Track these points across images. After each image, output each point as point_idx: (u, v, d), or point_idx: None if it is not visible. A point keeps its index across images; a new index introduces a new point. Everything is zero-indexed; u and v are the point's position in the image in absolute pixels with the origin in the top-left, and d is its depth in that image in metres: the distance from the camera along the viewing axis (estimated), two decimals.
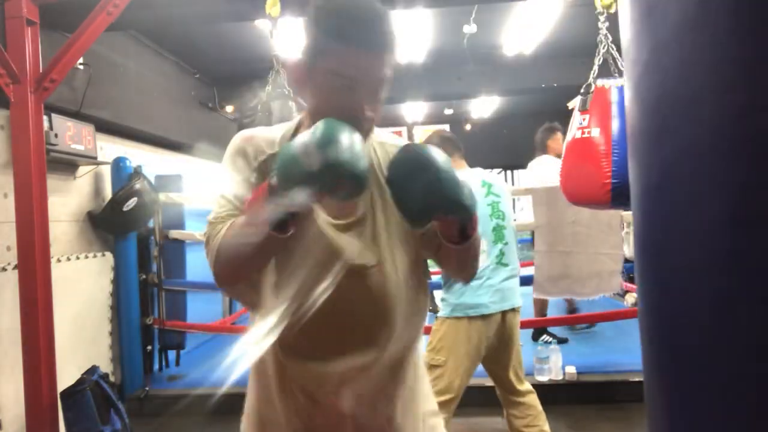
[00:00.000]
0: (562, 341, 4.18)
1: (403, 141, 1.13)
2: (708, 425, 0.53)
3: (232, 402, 3.32)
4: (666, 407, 0.59)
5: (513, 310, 2.38)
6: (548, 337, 4.24)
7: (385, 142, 1.11)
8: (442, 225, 0.97)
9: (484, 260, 2.28)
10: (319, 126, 0.85)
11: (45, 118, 2.84)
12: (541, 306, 4.23)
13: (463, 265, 1.10)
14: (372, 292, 1.02)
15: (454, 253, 1.01)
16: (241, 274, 1.02)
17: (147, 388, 3.72)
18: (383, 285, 1.03)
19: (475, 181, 2.43)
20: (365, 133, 0.99)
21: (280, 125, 1.13)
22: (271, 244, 0.90)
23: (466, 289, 2.30)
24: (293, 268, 0.98)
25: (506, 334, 2.38)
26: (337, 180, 0.82)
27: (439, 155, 0.92)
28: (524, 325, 2.58)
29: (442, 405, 2.30)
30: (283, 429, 1.14)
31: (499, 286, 2.34)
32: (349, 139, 0.84)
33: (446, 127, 8.23)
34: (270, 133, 1.10)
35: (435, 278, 2.43)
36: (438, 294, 2.54)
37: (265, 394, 1.17)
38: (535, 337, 4.27)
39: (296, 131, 1.07)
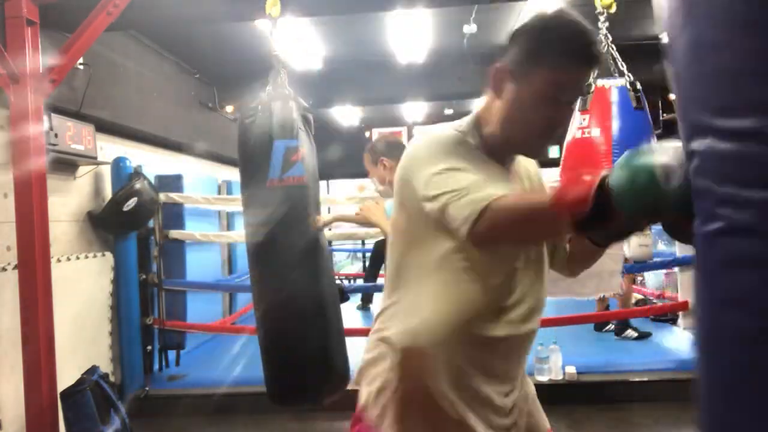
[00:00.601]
0: (644, 336, 4.22)
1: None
2: None
3: (232, 402, 3.34)
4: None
5: None
6: (632, 332, 4.26)
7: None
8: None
9: None
10: (671, 149, 0.79)
11: (45, 118, 2.84)
12: (625, 300, 4.24)
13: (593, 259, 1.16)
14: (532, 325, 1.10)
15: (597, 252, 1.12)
16: (511, 236, 1.00)
17: (147, 388, 3.72)
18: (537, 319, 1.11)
19: None
20: (550, 147, 1.12)
21: (453, 125, 1.09)
22: (554, 231, 0.99)
23: None
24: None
25: None
26: (668, 210, 0.78)
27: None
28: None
29: None
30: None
31: None
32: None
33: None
34: (459, 132, 1.08)
35: None
36: None
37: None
38: (618, 332, 4.29)
39: (477, 131, 1.08)
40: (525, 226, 0.94)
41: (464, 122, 1.11)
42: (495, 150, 1.08)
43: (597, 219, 0.82)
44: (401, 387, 1.06)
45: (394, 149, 2.41)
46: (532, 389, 1.22)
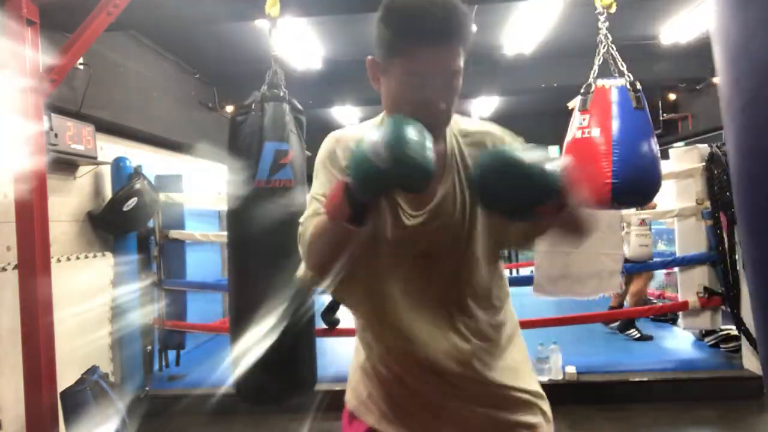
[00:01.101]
0: (646, 338, 4.23)
1: (490, 126, 1.14)
2: None
3: (232, 402, 3.32)
4: None
5: None
6: (635, 332, 4.28)
7: (470, 129, 1.11)
8: (539, 212, 0.94)
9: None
10: (386, 123, 0.89)
11: (45, 118, 2.84)
12: (638, 296, 4.25)
13: (574, 228, 1.08)
14: (446, 275, 1.07)
15: (561, 223, 1.03)
16: (327, 266, 1.04)
17: (147, 388, 3.72)
18: (457, 268, 1.07)
19: None
20: (442, 125, 1.03)
21: (369, 123, 1.15)
22: (349, 237, 0.94)
23: None
24: (371, 257, 1.04)
25: None
26: (403, 175, 0.86)
27: (521, 151, 0.91)
28: (525, 324, 2.57)
29: None
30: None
31: None
32: (415, 134, 0.86)
33: None
34: (358, 132, 1.11)
35: None
36: None
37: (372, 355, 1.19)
38: (622, 329, 4.32)
39: (379, 121, 1.10)
40: (327, 245, 0.99)
41: (375, 119, 1.14)
42: None
43: (365, 211, 0.90)
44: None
45: None
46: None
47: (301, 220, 1.08)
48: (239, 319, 2.10)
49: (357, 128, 1.15)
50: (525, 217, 0.95)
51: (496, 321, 1.13)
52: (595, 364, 3.66)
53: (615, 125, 2.37)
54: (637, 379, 3.51)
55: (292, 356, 2.16)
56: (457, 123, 1.11)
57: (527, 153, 0.90)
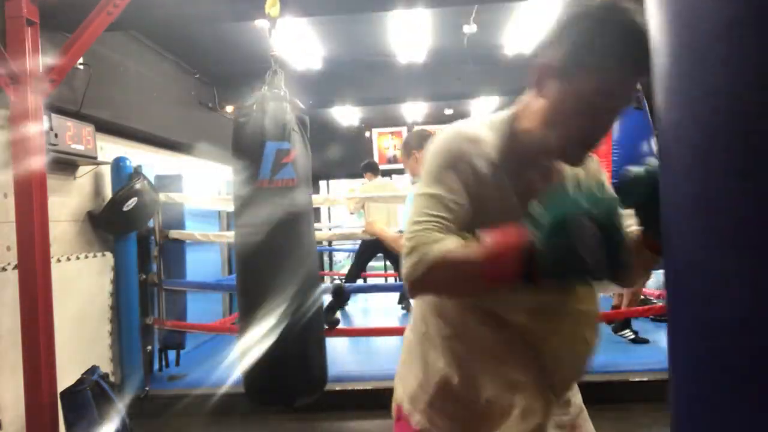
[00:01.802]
0: (641, 341, 4.23)
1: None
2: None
3: (232, 402, 3.34)
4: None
5: None
6: (629, 333, 4.27)
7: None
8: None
9: None
10: (605, 217, 0.79)
11: (45, 118, 2.84)
12: (634, 297, 4.24)
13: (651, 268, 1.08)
14: (578, 335, 1.07)
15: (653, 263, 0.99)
16: (446, 293, 1.00)
17: (147, 388, 3.72)
18: (591, 330, 1.07)
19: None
20: (591, 154, 1.00)
21: (488, 120, 1.03)
22: (491, 285, 0.88)
23: None
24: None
25: None
26: (605, 277, 0.82)
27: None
28: None
29: None
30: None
31: None
32: (620, 229, 0.81)
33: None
34: (485, 132, 1.00)
35: None
36: None
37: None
38: (616, 330, 4.31)
39: (511, 128, 1.00)
40: (460, 284, 0.93)
41: (499, 117, 1.03)
42: (527, 150, 0.98)
43: (531, 279, 0.83)
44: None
45: (426, 141, 2.48)
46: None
47: (415, 224, 0.93)
48: (247, 320, 2.10)
49: (479, 126, 1.02)
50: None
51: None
52: (595, 364, 3.64)
53: (615, 125, 2.37)
54: (637, 379, 3.51)
55: (302, 355, 2.16)
56: None
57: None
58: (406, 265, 0.92)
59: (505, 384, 1.03)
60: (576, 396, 1.19)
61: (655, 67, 0.63)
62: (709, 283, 0.53)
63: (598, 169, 1.11)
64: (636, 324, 4.44)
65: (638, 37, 0.82)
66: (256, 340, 2.03)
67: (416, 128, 3.84)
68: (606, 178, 1.11)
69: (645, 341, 4.24)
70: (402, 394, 1.17)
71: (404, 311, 5.59)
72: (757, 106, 0.47)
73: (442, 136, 1.02)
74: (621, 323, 4.32)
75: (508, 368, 1.02)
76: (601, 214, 0.79)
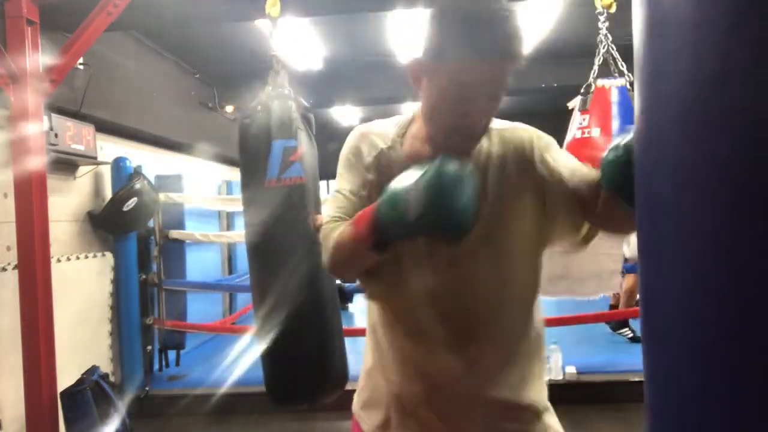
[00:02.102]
0: (639, 340, 4.20)
1: (521, 124, 1.08)
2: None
3: (232, 402, 3.33)
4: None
5: None
6: (628, 331, 4.27)
7: (504, 129, 1.07)
8: None
9: None
10: (428, 172, 0.84)
11: (45, 118, 2.84)
12: (629, 297, 4.23)
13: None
14: (463, 283, 1.02)
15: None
16: (348, 272, 1.12)
17: (147, 388, 3.72)
18: (475, 276, 1.02)
19: None
20: (478, 137, 0.99)
21: (395, 118, 1.11)
22: (370, 257, 0.96)
23: None
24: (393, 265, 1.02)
25: None
26: (437, 231, 0.86)
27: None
28: None
29: None
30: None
31: None
32: (457, 185, 0.83)
33: None
34: (384, 127, 1.10)
35: None
36: None
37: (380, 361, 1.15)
38: (615, 328, 4.30)
39: (408, 127, 1.08)
40: (350, 259, 1.02)
41: (405, 116, 1.11)
42: (420, 145, 1.04)
43: (390, 245, 0.92)
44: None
45: None
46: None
47: (324, 216, 1.08)
48: (264, 319, 2.10)
49: (383, 123, 1.11)
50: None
51: (521, 332, 1.07)
52: (595, 364, 3.66)
53: (615, 125, 2.37)
54: (637, 379, 3.50)
55: (324, 351, 2.16)
56: (492, 124, 1.05)
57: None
58: (322, 257, 1.07)
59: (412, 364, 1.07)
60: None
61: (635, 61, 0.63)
62: (686, 283, 0.53)
63: (517, 138, 1.06)
64: (634, 324, 4.44)
65: (477, 23, 0.87)
66: (276, 339, 2.02)
67: None
68: (528, 139, 1.06)
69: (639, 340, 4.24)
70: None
71: None
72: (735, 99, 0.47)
73: (349, 135, 1.12)
74: (619, 322, 4.32)
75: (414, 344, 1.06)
76: (429, 174, 0.83)
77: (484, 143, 1.04)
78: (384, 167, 1.04)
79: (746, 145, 0.47)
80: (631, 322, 4.39)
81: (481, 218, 0.96)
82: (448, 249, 0.97)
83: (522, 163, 1.03)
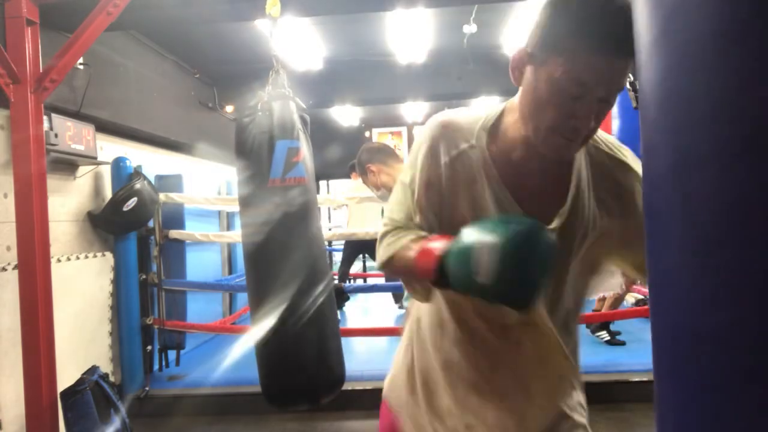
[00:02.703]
0: (617, 343, 4.21)
1: (625, 153, 0.99)
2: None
3: (232, 402, 3.33)
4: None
5: None
6: (606, 334, 4.25)
7: (602, 148, 0.98)
8: None
9: None
10: (508, 234, 0.78)
11: (45, 118, 2.84)
12: (614, 302, 4.24)
13: None
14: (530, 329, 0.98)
15: None
16: (402, 281, 1.09)
17: (147, 388, 3.72)
18: (542, 324, 0.97)
19: None
20: (580, 144, 0.90)
21: (482, 110, 1.00)
22: (428, 286, 0.97)
23: None
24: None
25: None
26: (501, 299, 0.81)
27: None
28: None
29: None
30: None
31: None
32: (532, 262, 0.77)
33: None
34: (469, 120, 0.98)
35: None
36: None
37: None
38: (594, 330, 4.29)
39: (498, 121, 0.97)
40: (407, 279, 1.02)
41: (493, 109, 1.00)
42: (511, 142, 0.95)
43: (444, 285, 0.88)
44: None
45: (376, 153, 2.58)
46: None
47: (389, 215, 1.03)
48: (261, 320, 2.10)
49: (468, 116, 0.99)
50: None
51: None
52: (595, 364, 3.66)
53: (615, 125, 2.37)
54: (636, 379, 3.51)
55: (322, 351, 2.16)
56: (594, 138, 0.96)
57: None
58: (377, 252, 1.04)
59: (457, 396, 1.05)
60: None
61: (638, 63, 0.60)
62: (691, 287, 0.53)
63: (612, 174, 0.98)
64: (634, 324, 4.44)
65: (604, 17, 0.78)
66: (274, 340, 2.02)
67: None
68: (633, 183, 0.98)
69: (622, 343, 4.22)
70: (386, 383, 1.24)
71: (401, 310, 5.64)
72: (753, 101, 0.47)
73: (427, 123, 1.03)
74: (599, 324, 4.31)
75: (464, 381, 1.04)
76: (510, 244, 0.77)
77: (581, 162, 0.96)
78: (464, 167, 0.95)
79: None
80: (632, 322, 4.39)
81: (565, 247, 0.93)
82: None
83: (617, 198, 0.97)
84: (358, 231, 4.05)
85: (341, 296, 3.92)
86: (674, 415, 0.57)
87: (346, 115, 7.79)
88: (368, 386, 3.51)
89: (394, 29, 4.53)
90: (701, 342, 0.53)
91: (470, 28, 4.36)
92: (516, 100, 0.95)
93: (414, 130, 8.37)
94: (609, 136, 1.02)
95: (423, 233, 0.98)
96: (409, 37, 4.69)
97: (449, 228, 0.93)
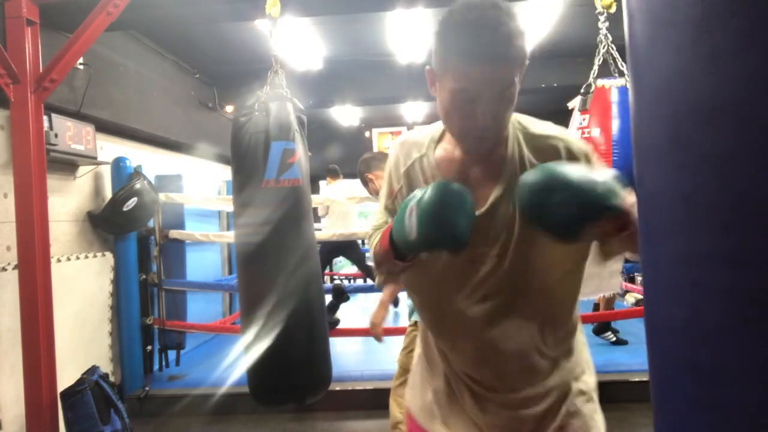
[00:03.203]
0: (621, 342, 4.24)
1: (561, 131, 1.09)
2: None
3: (232, 402, 3.33)
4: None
5: None
6: (611, 335, 4.28)
7: (536, 132, 1.07)
8: (598, 229, 0.90)
9: None
10: (423, 193, 0.95)
11: (45, 118, 2.84)
12: (606, 302, 4.25)
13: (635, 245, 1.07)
14: (489, 278, 1.05)
15: (622, 242, 0.95)
16: (387, 274, 1.17)
17: (147, 388, 3.72)
18: (502, 272, 1.04)
19: None
20: (492, 138, 1.01)
21: (434, 126, 1.16)
22: (400, 266, 1.06)
23: None
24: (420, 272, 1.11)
25: None
26: (435, 247, 0.95)
27: (567, 169, 0.89)
28: None
29: None
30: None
31: None
32: (446, 208, 0.92)
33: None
34: (421, 135, 1.16)
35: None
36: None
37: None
38: (597, 332, 4.31)
39: (442, 133, 1.13)
40: (385, 264, 1.10)
41: (438, 122, 1.16)
42: (453, 144, 1.09)
43: (408, 258, 1.03)
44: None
45: (371, 161, 2.72)
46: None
47: (370, 226, 1.21)
48: (251, 321, 2.10)
49: (421, 132, 1.17)
50: (577, 237, 0.89)
51: (559, 348, 1.15)
52: (595, 364, 3.65)
53: (615, 125, 2.37)
54: (637, 379, 3.51)
55: (311, 352, 2.16)
56: (525, 126, 1.08)
57: (578, 169, 0.89)
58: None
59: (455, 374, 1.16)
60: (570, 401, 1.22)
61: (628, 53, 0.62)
62: (688, 273, 0.53)
63: (551, 146, 1.07)
64: (634, 324, 4.44)
65: (473, 29, 0.92)
66: (266, 340, 2.02)
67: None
68: (563, 148, 1.06)
69: (624, 342, 4.25)
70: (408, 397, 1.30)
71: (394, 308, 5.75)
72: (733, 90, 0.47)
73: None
74: (601, 325, 4.33)
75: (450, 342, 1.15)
76: (421, 200, 0.94)
77: (515, 149, 1.06)
78: (419, 174, 1.12)
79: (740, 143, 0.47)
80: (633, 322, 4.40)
81: (501, 224, 1.03)
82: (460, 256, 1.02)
83: (555, 158, 1.04)
84: (358, 231, 4.05)
85: (341, 296, 3.92)
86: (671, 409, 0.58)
87: (346, 115, 7.79)
88: (368, 386, 3.51)
89: (394, 29, 4.53)
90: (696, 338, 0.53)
91: None
92: None
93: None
94: (534, 119, 1.12)
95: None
96: (409, 37, 4.69)
97: None
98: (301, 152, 2.16)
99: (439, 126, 1.13)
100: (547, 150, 1.05)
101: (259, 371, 2.13)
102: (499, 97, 0.96)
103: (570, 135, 1.10)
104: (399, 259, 1.04)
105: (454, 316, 1.09)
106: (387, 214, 1.17)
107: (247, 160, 2.11)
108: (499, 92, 0.95)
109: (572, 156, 1.05)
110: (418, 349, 1.28)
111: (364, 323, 5.92)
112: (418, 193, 0.96)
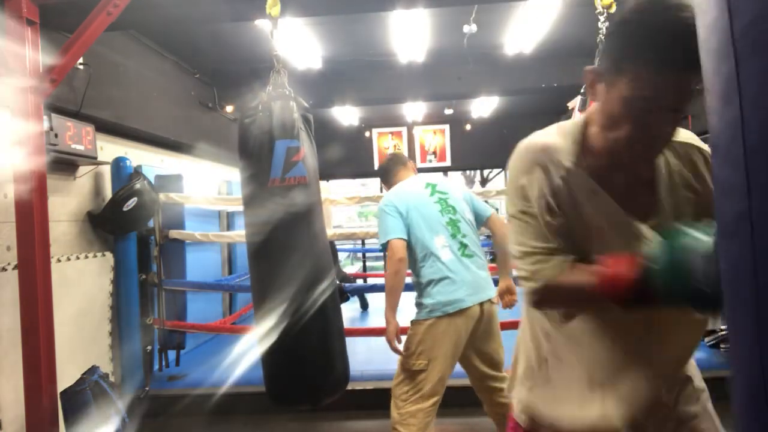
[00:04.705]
0: None
1: (689, 135, 1.05)
2: None
3: (232, 402, 3.33)
4: None
5: (490, 301, 2.40)
6: None
7: (677, 142, 1.02)
8: None
9: (447, 255, 2.34)
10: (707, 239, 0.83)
11: (45, 118, 2.84)
12: None
13: None
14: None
15: None
16: (556, 309, 1.11)
17: (147, 388, 3.72)
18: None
19: (419, 185, 2.51)
20: (660, 148, 0.97)
21: (561, 128, 1.06)
22: (603, 302, 0.95)
23: (440, 288, 2.32)
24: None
25: (486, 327, 2.39)
26: (709, 304, 0.83)
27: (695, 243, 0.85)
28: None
29: (430, 407, 2.30)
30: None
31: (472, 278, 2.35)
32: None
33: (446, 128, 8.23)
34: (559, 139, 1.04)
35: (407, 279, 2.51)
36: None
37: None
38: None
39: (581, 135, 1.03)
40: (575, 303, 1.05)
41: (572, 123, 1.06)
42: (601, 151, 1.01)
43: (642, 300, 0.90)
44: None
45: (392, 160, 2.76)
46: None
47: (518, 246, 1.06)
48: (264, 320, 2.10)
49: (553, 136, 1.06)
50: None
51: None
52: None
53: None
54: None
55: (326, 352, 2.16)
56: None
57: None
58: (526, 290, 1.06)
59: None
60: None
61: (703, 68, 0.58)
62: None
63: (693, 161, 1.04)
64: None
65: (663, 33, 0.83)
66: (279, 340, 2.02)
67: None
68: (699, 158, 1.05)
69: None
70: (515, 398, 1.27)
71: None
72: None
73: (516, 151, 1.08)
74: None
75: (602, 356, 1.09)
76: (705, 249, 0.82)
77: (661, 158, 1.02)
78: (577, 183, 1.01)
79: None
80: None
81: None
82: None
83: (698, 178, 1.03)
84: (359, 230, 4.05)
85: (341, 296, 3.92)
86: None
87: (346, 115, 7.78)
88: (369, 386, 3.51)
89: (394, 29, 4.53)
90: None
91: (470, 28, 4.36)
92: (593, 112, 1.02)
93: (414, 130, 8.35)
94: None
95: (570, 257, 1.02)
96: (409, 37, 4.69)
97: (587, 242, 1.02)
98: (306, 149, 2.17)
99: (572, 129, 1.04)
100: (685, 156, 1.03)
101: (273, 372, 2.14)
102: (678, 108, 0.89)
103: (698, 139, 1.07)
104: (630, 303, 0.92)
105: (615, 342, 1.07)
106: (546, 234, 1.03)
107: (253, 160, 2.13)
108: (681, 103, 0.88)
109: (707, 162, 1.03)
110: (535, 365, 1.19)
111: (365, 323, 5.92)
112: (701, 233, 0.84)
